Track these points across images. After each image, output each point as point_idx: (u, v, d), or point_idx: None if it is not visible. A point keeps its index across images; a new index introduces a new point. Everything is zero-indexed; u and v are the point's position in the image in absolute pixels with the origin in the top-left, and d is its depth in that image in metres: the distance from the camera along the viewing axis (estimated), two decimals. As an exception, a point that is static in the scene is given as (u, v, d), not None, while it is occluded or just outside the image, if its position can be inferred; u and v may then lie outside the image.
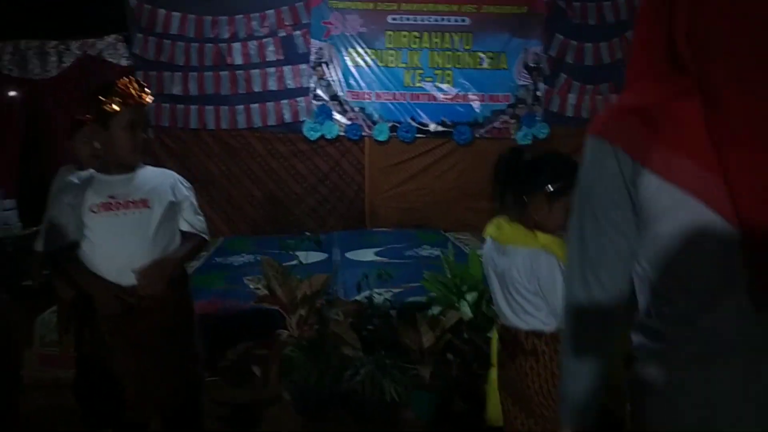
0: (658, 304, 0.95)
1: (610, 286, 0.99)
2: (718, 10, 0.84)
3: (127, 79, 1.98)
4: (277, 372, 2.71)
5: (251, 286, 2.97)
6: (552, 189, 1.74)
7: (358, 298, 3.02)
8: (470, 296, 2.74)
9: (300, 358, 2.63)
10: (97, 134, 1.99)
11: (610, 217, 0.95)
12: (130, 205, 1.96)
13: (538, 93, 5.74)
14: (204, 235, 2.14)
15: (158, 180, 2.07)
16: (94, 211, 1.93)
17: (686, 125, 0.86)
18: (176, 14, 5.30)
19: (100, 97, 1.92)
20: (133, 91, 1.95)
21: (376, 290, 3.01)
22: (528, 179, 1.79)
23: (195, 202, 2.16)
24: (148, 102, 2.01)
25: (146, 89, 2.02)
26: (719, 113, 0.84)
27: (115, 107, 1.92)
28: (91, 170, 2.07)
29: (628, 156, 0.91)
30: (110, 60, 5.22)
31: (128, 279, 1.89)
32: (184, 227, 2.10)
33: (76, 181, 2.06)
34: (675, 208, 0.87)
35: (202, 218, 2.15)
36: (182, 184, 2.15)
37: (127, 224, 1.93)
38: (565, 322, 1.06)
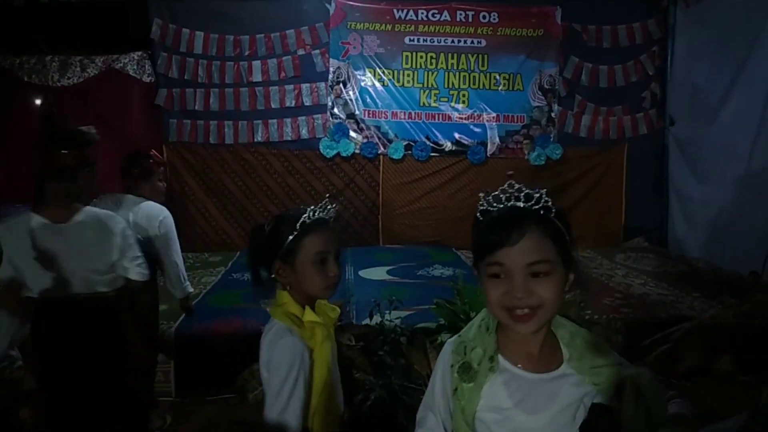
0: None
1: None
2: None
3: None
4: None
5: (267, 309, 3.06)
6: (285, 250, 1.48)
7: (369, 322, 3.11)
8: (479, 324, 2.81)
9: (313, 381, 2.72)
10: None
11: None
12: None
13: (553, 114, 5.81)
14: None
15: None
16: None
17: None
18: (199, 33, 5.45)
19: None
20: None
21: (387, 316, 3.09)
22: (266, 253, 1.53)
23: None
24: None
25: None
26: None
27: None
28: None
29: None
30: (134, 75, 5.36)
31: None
32: None
33: None
34: None
35: None
36: None
37: None
38: None
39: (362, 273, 4.66)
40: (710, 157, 5.24)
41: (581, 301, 3.06)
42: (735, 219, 4.89)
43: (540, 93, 5.80)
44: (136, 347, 2.48)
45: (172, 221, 2.96)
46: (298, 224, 1.50)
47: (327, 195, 1.80)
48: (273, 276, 1.52)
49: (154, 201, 2.99)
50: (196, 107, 5.54)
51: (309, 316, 1.50)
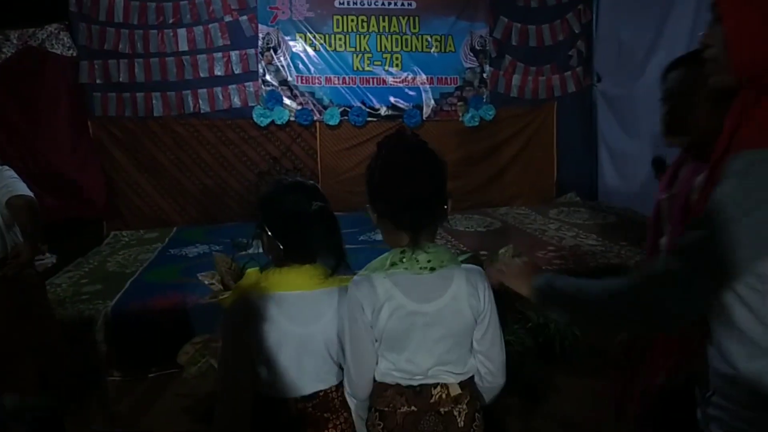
0: None
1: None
2: None
3: None
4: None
5: (206, 282, 3.03)
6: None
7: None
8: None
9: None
10: None
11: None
12: None
13: (485, 75, 5.89)
14: None
15: None
16: None
17: None
18: (119, 1, 5.19)
19: None
20: None
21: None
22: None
23: None
24: None
25: None
26: None
27: None
28: None
29: None
30: (53, 51, 5.08)
31: None
32: None
33: None
34: None
35: None
36: None
37: None
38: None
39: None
40: (638, 112, 5.44)
41: (515, 254, 3.18)
42: (663, 169, 5.11)
43: (472, 54, 5.85)
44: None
45: None
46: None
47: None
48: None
49: None
50: (121, 79, 5.31)
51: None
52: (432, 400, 1.49)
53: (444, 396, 1.50)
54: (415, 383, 1.49)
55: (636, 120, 5.50)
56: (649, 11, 5.15)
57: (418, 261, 1.44)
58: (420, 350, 1.46)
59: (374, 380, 1.52)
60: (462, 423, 1.51)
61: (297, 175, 1.68)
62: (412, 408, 1.49)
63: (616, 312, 1.08)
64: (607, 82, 5.97)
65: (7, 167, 2.36)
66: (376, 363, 1.51)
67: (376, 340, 1.49)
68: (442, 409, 1.49)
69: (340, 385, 1.61)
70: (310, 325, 1.54)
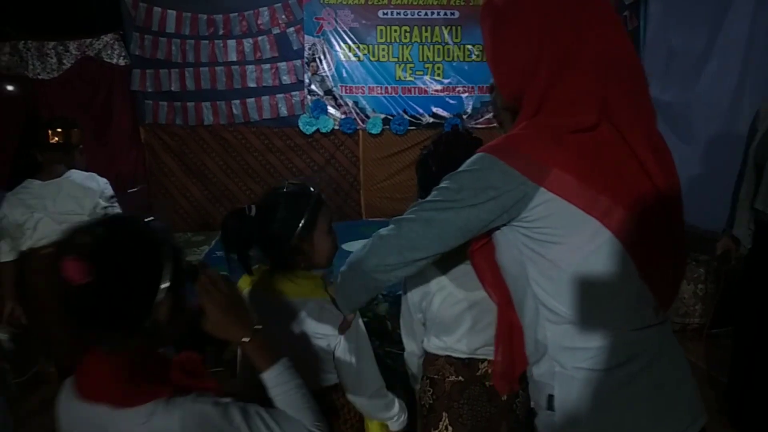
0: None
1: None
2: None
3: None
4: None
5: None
6: (306, 224, 1.49)
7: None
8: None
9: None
10: None
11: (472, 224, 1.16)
12: None
13: (526, 84, 5.87)
14: None
15: None
16: None
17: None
18: (171, 12, 5.40)
19: None
20: None
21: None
22: (272, 234, 1.50)
23: None
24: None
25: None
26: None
27: None
28: None
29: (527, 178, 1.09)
30: (108, 60, 5.33)
31: None
32: None
33: None
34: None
35: None
36: None
37: None
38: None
39: (345, 246, 4.67)
40: (692, 118, 5.32)
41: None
42: (717, 178, 4.96)
43: (514, 63, 5.84)
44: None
45: None
46: (312, 198, 1.53)
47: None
48: (291, 253, 1.50)
49: None
50: (172, 88, 5.52)
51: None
52: (479, 373, 1.61)
53: (490, 371, 1.59)
54: (464, 356, 1.61)
55: (690, 126, 5.35)
56: (701, 18, 5.04)
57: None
58: (469, 334, 1.58)
59: (425, 351, 1.68)
60: (505, 397, 1.58)
61: (312, 180, 1.58)
62: (460, 378, 1.61)
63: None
64: (655, 88, 5.85)
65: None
66: (423, 338, 1.68)
67: (424, 324, 1.65)
68: (487, 383, 1.60)
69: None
70: (301, 332, 1.51)
